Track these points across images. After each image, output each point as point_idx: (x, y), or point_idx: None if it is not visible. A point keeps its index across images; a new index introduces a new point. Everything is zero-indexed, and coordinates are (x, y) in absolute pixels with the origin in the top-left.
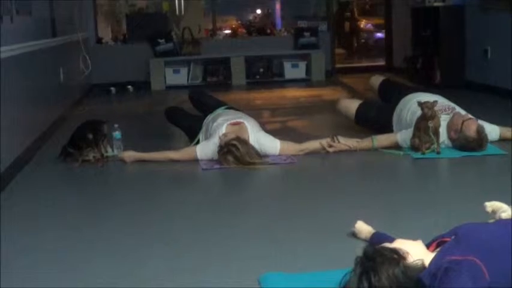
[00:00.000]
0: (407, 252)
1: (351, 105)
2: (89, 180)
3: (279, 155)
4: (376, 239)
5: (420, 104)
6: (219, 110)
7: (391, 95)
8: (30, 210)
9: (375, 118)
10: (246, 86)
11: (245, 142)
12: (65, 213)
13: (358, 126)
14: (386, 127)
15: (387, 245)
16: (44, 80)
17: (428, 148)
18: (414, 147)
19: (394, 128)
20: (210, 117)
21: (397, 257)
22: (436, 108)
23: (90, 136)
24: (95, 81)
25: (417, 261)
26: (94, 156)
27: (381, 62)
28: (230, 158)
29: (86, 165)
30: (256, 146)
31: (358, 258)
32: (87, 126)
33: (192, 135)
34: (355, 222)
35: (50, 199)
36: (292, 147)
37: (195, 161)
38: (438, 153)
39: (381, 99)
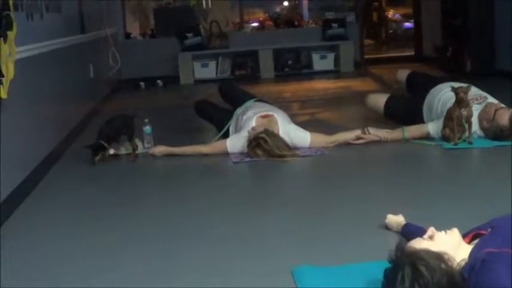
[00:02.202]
0: (453, 258)
1: (379, 100)
2: (122, 175)
3: (310, 147)
4: (407, 231)
5: (454, 89)
6: (249, 103)
7: (419, 87)
8: (67, 205)
9: (404, 111)
10: (274, 78)
11: (273, 134)
12: (101, 210)
13: (388, 119)
14: (416, 119)
15: (425, 244)
16: (74, 76)
17: (460, 138)
18: (445, 138)
19: (425, 119)
20: (239, 110)
21: (445, 267)
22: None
23: (123, 130)
24: (124, 76)
25: (461, 262)
26: (126, 151)
27: (410, 52)
28: (259, 151)
29: (117, 160)
30: (286, 138)
31: (396, 257)
32: (118, 121)
33: (222, 129)
34: (387, 214)
35: (85, 195)
36: (323, 139)
37: (226, 154)
38: (470, 143)
39: (408, 92)
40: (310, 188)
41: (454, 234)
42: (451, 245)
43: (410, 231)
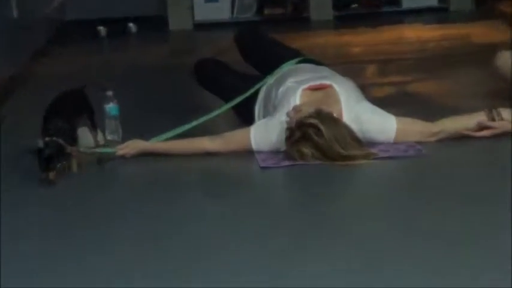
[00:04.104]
0: None
1: None
2: (71, 197)
3: (395, 142)
4: None
5: None
6: (288, 65)
7: None
8: None
9: None
10: (333, 22)
11: (332, 119)
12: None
13: None
14: None
15: None
16: None
17: None
18: None
19: None
20: (272, 76)
21: None
22: None
23: (81, 113)
24: (71, 17)
25: None
26: (64, 163)
27: None
28: (307, 148)
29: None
30: (355, 126)
31: None
32: (68, 99)
33: (240, 109)
34: None
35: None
36: (418, 129)
37: (248, 153)
38: None
39: None
40: (398, 215)
41: None
42: None
43: None
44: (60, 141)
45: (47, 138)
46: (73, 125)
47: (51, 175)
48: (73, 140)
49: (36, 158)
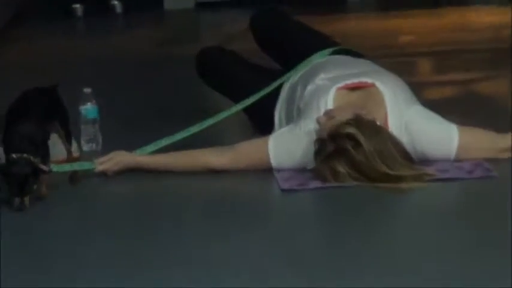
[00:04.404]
0: None
1: None
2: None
3: (457, 159)
4: None
5: None
6: (319, 57)
7: None
8: None
9: None
10: (377, 2)
11: (376, 129)
12: None
13: None
14: None
15: None
16: None
17: None
18: None
19: None
20: (298, 72)
21: None
22: None
23: (52, 120)
24: None
25: None
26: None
27: None
28: (341, 166)
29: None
30: (404, 138)
31: None
32: (36, 101)
33: (253, 112)
34: None
35: None
36: (488, 143)
37: (266, 170)
38: None
39: None
40: (461, 259)
41: None
42: None
43: None
44: (32, 158)
45: (14, 155)
46: (45, 134)
47: (26, 200)
48: (46, 154)
49: (2, 178)
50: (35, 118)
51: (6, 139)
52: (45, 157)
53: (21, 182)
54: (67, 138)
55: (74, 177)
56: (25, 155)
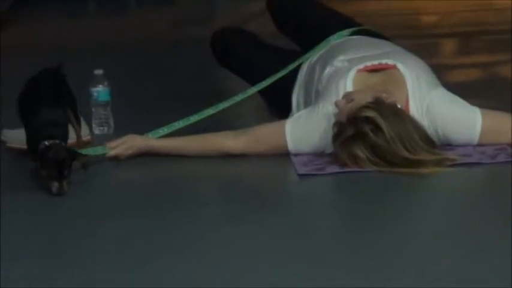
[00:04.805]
0: None
1: None
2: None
3: (480, 144)
4: None
5: None
6: (338, 37)
7: None
8: None
9: None
10: None
11: (397, 112)
12: None
13: None
14: None
15: None
16: None
17: None
18: None
19: None
20: (316, 53)
21: None
22: None
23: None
24: None
25: None
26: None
27: None
28: (361, 150)
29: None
30: (426, 121)
31: None
32: (48, 83)
33: (270, 94)
34: None
35: None
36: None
37: (282, 155)
38: None
39: None
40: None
41: None
42: None
43: None
44: (61, 142)
45: (46, 142)
46: (66, 117)
47: (65, 184)
48: (67, 138)
49: (39, 163)
50: (54, 102)
51: (33, 127)
52: (66, 140)
53: (60, 167)
54: (75, 120)
55: (85, 162)
56: (57, 141)
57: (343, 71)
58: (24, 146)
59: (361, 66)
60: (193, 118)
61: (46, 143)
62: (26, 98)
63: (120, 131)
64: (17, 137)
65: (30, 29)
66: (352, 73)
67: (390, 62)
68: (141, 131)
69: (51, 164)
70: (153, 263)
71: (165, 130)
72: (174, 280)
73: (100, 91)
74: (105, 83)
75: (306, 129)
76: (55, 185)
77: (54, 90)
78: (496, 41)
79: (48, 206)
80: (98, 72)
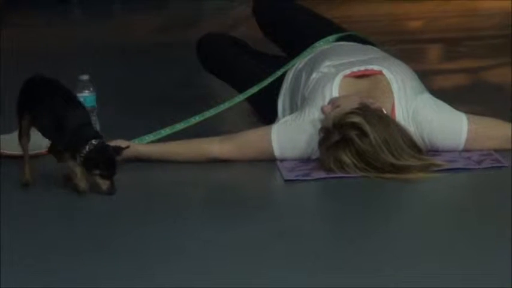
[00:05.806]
0: None
1: None
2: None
3: (466, 149)
4: None
5: None
6: (324, 43)
7: None
8: None
9: None
10: None
11: (383, 118)
12: None
13: None
14: None
15: None
16: None
17: None
18: None
19: None
20: (303, 59)
21: None
22: None
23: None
24: None
25: None
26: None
27: None
28: (346, 156)
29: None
30: (411, 127)
31: None
32: (49, 87)
33: (256, 99)
34: None
35: None
36: (498, 133)
37: (269, 161)
38: None
39: None
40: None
41: None
42: None
43: None
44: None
45: (94, 141)
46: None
47: (114, 183)
48: None
49: (85, 162)
50: (79, 102)
51: (69, 128)
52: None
53: (111, 166)
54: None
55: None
56: (102, 140)
57: (330, 77)
58: (18, 152)
59: (347, 72)
60: (180, 126)
61: (94, 141)
62: (40, 102)
63: (106, 137)
64: (8, 144)
65: (14, 34)
66: (338, 79)
67: (376, 67)
68: (128, 136)
69: (105, 164)
70: (138, 267)
71: (151, 137)
72: (160, 283)
73: (86, 97)
74: (91, 89)
75: (292, 134)
76: (107, 184)
77: (68, 91)
78: (481, 46)
79: (41, 209)
80: (84, 77)
